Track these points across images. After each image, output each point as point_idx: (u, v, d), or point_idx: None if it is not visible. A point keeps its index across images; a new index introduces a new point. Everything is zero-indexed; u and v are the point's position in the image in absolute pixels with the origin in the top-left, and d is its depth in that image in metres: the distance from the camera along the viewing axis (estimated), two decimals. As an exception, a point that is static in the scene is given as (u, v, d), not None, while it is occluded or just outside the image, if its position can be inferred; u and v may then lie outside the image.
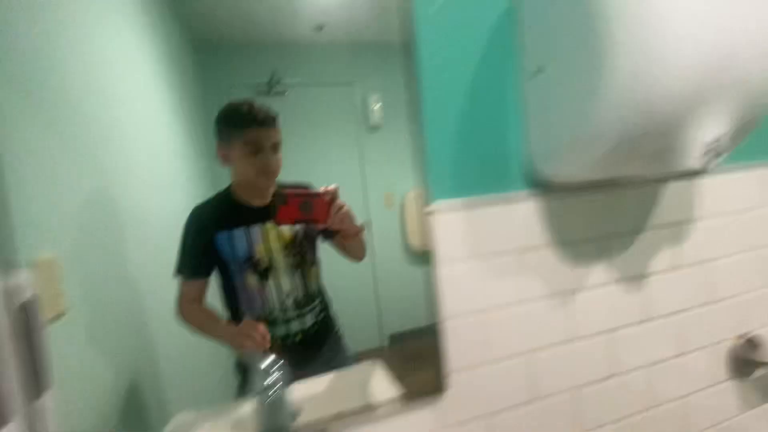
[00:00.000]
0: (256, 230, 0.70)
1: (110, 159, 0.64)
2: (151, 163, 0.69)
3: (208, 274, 0.70)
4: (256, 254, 0.71)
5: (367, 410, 0.68)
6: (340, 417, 0.67)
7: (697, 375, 0.87)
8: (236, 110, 0.68)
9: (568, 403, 0.79)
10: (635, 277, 0.82)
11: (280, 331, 0.73)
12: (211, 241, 0.69)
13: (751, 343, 0.86)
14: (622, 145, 0.56)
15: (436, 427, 0.73)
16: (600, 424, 0.82)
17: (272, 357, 0.62)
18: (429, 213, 0.71)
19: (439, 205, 0.72)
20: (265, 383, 0.60)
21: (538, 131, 0.69)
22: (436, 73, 0.73)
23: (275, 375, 0.60)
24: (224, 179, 0.70)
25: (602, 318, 0.80)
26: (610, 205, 0.79)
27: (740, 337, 0.87)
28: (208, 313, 0.70)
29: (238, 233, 0.70)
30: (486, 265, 0.73)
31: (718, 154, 0.54)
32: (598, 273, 0.80)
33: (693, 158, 0.53)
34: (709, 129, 0.53)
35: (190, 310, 0.68)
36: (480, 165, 0.74)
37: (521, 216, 0.75)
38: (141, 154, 0.68)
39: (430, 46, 0.72)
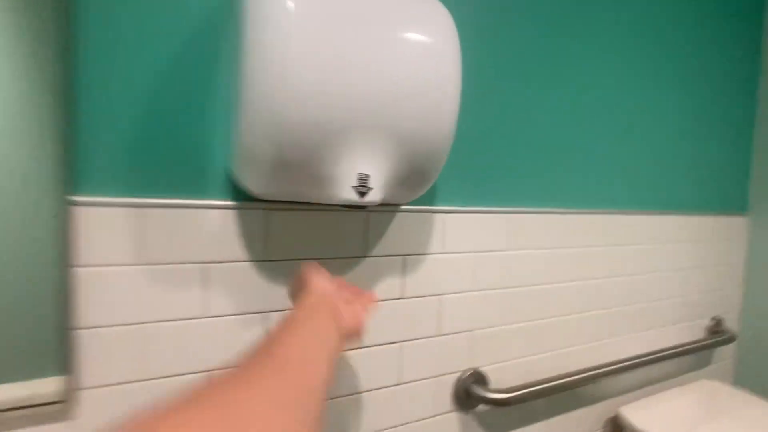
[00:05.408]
0: None
1: None
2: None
3: None
4: None
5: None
6: None
7: (422, 404, 0.86)
8: None
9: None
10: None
11: None
12: None
13: (476, 378, 0.91)
14: (275, 166, 0.54)
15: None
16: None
17: None
18: (72, 203, 0.55)
19: (92, 198, 0.57)
20: None
21: (231, 136, 0.62)
22: (115, 26, 0.56)
23: None
24: None
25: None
26: (324, 228, 0.74)
27: (467, 371, 0.91)
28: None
29: None
30: (158, 275, 0.61)
31: (368, 190, 0.54)
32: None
33: (345, 191, 0.55)
34: (355, 164, 0.55)
35: None
36: (170, 165, 0.61)
37: (214, 227, 0.65)
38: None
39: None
